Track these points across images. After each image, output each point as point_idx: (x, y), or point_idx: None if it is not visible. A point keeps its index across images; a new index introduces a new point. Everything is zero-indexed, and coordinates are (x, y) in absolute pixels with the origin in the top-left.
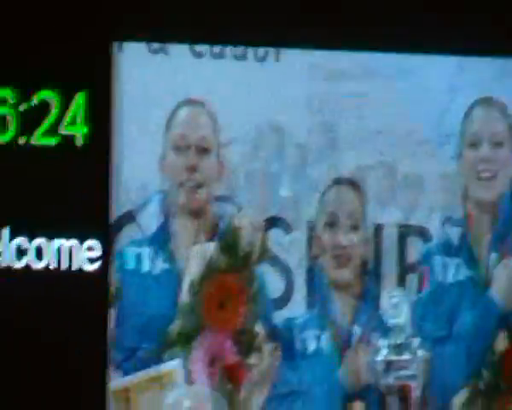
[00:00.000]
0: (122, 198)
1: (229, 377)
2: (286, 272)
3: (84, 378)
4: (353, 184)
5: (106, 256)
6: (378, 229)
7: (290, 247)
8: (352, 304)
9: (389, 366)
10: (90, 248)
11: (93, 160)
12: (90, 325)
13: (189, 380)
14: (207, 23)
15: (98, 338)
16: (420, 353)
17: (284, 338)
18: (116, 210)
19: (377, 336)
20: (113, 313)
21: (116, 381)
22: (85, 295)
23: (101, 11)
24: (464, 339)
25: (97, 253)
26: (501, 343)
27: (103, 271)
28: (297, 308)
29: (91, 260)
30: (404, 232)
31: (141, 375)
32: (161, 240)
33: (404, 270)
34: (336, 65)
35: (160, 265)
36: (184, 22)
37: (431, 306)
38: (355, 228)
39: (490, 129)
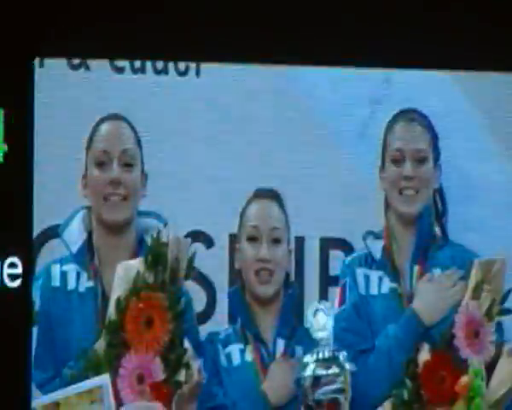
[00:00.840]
0: (45, 215)
1: (157, 395)
2: (208, 286)
3: (5, 398)
4: (275, 196)
5: (27, 273)
6: (299, 242)
7: (212, 261)
8: (275, 317)
9: (317, 380)
10: (11, 265)
11: (12, 177)
12: (12, 344)
13: (118, 398)
14: (128, 37)
15: (20, 357)
16: (347, 366)
17: (208, 353)
18: (38, 227)
19: (301, 350)
20: (36, 332)
21: (44, 397)
22: (7, 313)
23: (21, 26)
24: (387, 352)
25: (19, 270)
26: (423, 355)
27: (25, 288)
28: (220, 323)
29: (13, 277)
30: (326, 245)
31: (70, 390)
32: (86, 257)
33: (327, 283)
34: (255, 80)
35: (85, 282)
36: (104, 37)
37: (353, 319)
38: (278, 241)
39: (413, 146)
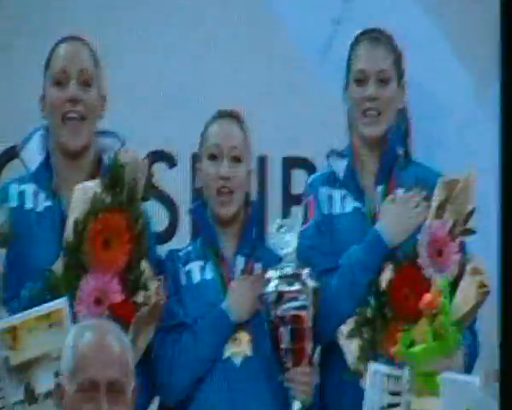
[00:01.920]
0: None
1: (115, 316)
2: (170, 205)
3: None
4: (236, 116)
5: None
6: (262, 161)
7: (174, 180)
8: (236, 235)
9: (280, 297)
10: None
11: None
12: None
13: (76, 320)
14: None
15: None
16: (310, 283)
17: (169, 270)
18: None
19: (261, 267)
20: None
21: (2, 320)
22: None
23: None
24: (350, 271)
25: None
26: (387, 274)
27: None
28: (182, 242)
29: None
30: (288, 164)
31: (27, 313)
32: (44, 177)
33: (290, 201)
34: None
35: (43, 202)
36: None
37: (317, 237)
38: (238, 160)
39: (376, 67)
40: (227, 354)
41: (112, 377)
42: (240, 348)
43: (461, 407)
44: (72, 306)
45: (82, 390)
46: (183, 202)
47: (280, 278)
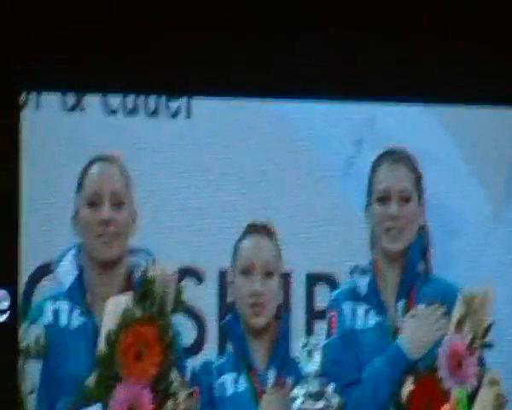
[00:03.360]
0: (37, 251)
1: None
2: (198, 320)
3: None
4: (267, 230)
5: (14, 307)
6: (286, 277)
7: (201, 296)
8: (267, 348)
9: None
10: None
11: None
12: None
13: None
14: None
15: (9, 389)
16: (333, 400)
17: (203, 382)
18: (31, 264)
19: (291, 381)
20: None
21: None
22: None
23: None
24: (373, 384)
25: (6, 304)
26: (408, 387)
27: (12, 322)
28: (209, 355)
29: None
30: (312, 280)
31: None
32: (77, 294)
33: (313, 317)
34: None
35: (77, 318)
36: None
37: (340, 351)
38: (270, 275)
39: (397, 186)
40: None
41: None
42: None
43: None
44: None
45: None
46: (210, 316)
47: (305, 395)
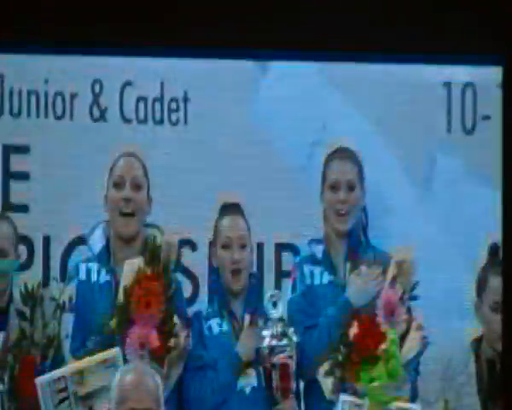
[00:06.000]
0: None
1: (154, 357)
2: (193, 279)
3: None
4: (240, 210)
5: None
6: (259, 246)
7: (196, 260)
8: (243, 300)
9: (272, 350)
10: None
11: None
12: None
13: (126, 361)
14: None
15: None
16: (294, 338)
17: (195, 325)
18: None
19: (261, 324)
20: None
21: (71, 365)
22: None
23: None
24: (327, 327)
25: None
26: (354, 329)
27: None
28: (201, 305)
29: None
30: (279, 248)
31: (90, 359)
32: (104, 258)
33: (281, 276)
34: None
35: (104, 277)
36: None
37: (302, 303)
38: (244, 247)
39: (345, 177)
40: (240, 385)
41: (146, 407)
42: (249, 381)
43: None
44: (122, 350)
45: None
46: (202, 276)
47: (272, 335)
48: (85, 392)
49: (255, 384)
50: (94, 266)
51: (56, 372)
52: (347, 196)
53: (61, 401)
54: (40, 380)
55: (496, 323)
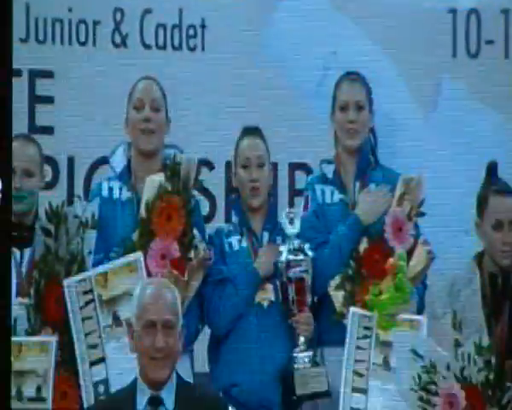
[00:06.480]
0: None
1: (174, 267)
2: (210, 197)
3: None
4: (259, 132)
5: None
6: (274, 166)
7: (213, 180)
8: (262, 218)
9: (289, 264)
10: None
11: None
12: None
13: (147, 270)
14: None
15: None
16: (309, 253)
17: (216, 241)
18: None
19: (279, 241)
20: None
21: (97, 268)
22: None
23: None
24: (338, 243)
25: None
26: (363, 245)
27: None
28: (218, 223)
29: None
30: (293, 167)
31: (115, 262)
32: (126, 176)
33: (294, 195)
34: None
35: (126, 194)
36: None
37: (314, 220)
38: (262, 166)
39: (354, 98)
40: (257, 299)
41: (165, 318)
42: (266, 295)
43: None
44: (144, 261)
45: (145, 328)
46: (219, 195)
47: (289, 250)
48: (109, 296)
49: (272, 298)
50: (116, 184)
51: (82, 274)
52: (356, 115)
53: (87, 303)
54: (67, 281)
55: (498, 241)
